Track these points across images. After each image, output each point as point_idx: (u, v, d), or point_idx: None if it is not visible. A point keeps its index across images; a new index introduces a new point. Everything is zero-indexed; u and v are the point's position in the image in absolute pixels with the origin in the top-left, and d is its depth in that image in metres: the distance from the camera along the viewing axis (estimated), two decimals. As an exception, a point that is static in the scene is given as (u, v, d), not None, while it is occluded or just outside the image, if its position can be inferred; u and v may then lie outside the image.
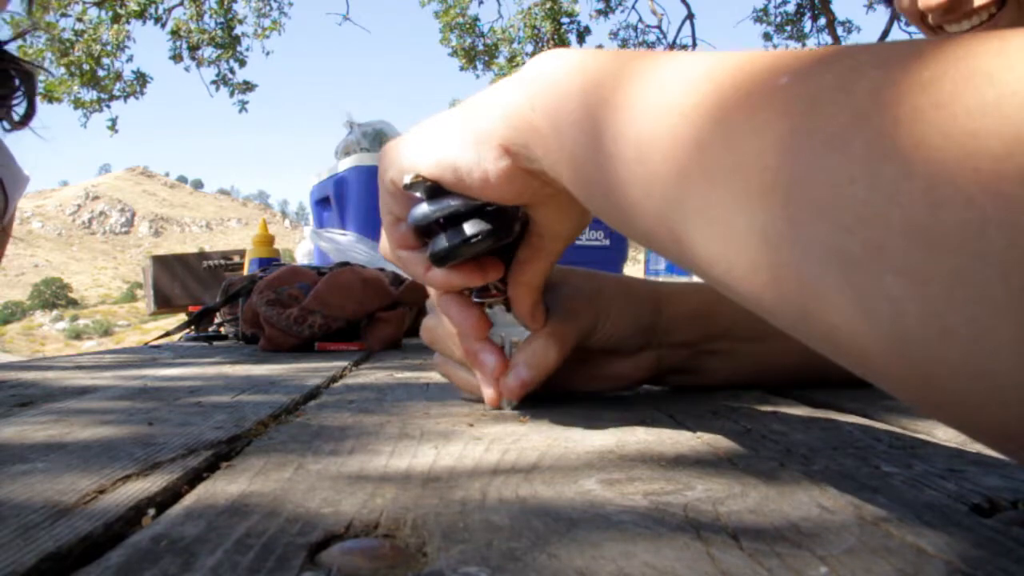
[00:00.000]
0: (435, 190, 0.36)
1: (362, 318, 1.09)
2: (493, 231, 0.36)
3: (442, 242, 0.37)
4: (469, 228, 0.36)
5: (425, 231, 0.39)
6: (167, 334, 1.45)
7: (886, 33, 7.79)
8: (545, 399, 0.49)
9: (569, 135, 0.28)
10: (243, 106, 8.08)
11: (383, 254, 0.44)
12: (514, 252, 0.41)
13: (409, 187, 0.36)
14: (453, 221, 0.37)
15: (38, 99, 0.90)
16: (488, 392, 0.44)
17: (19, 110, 0.88)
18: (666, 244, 0.24)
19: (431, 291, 0.45)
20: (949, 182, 0.15)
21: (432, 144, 0.36)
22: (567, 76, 0.29)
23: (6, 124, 0.88)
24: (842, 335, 0.18)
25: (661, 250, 0.25)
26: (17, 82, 0.87)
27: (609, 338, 0.48)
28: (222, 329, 1.43)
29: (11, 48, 0.88)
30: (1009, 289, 0.14)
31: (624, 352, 0.50)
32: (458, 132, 0.35)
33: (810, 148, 0.18)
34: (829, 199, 0.17)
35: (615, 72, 0.26)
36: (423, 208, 0.37)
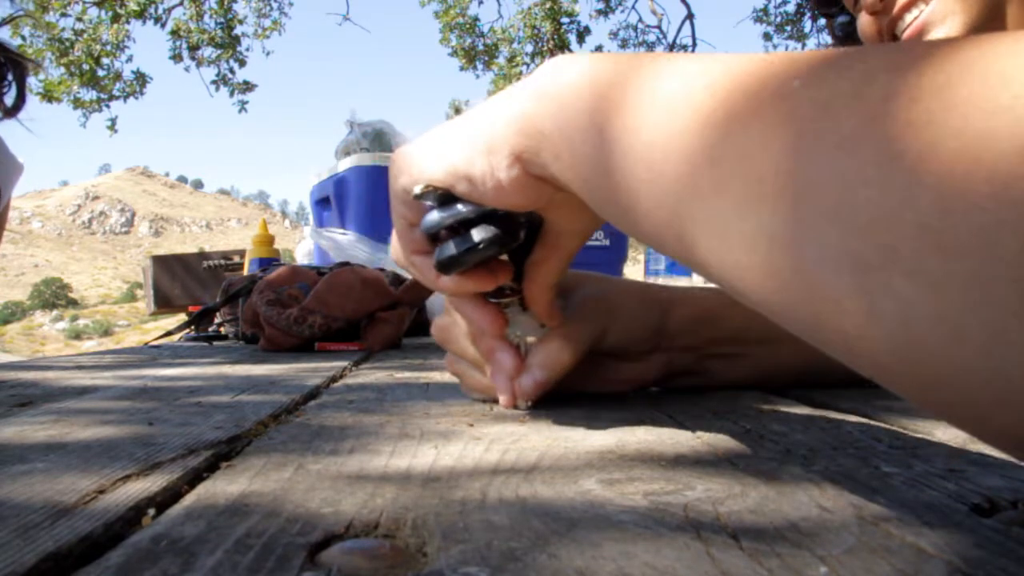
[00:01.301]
0: (446, 197, 0.36)
1: (362, 318, 1.09)
2: (500, 236, 0.36)
3: (449, 249, 0.37)
4: (477, 234, 0.36)
5: (435, 237, 0.39)
6: (167, 334, 1.45)
7: (886, 33, 7.77)
8: (547, 399, 0.49)
9: (579, 145, 0.28)
10: (243, 106, 8.07)
11: (395, 260, 0.44)
12: (526, 253, 0.42)
13: (420, 197, 0.37)
14: (462, 227, 0.37)
15: (27, 90, 0.90)
16: (504, 394, 0.44)
17: (8, 99, 0.87)
18: (677, 250, 0.24)
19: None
20: (961, 185, 0.15)
21: (443, 153, 0.36)
22: (576, 85, 0.29)
23: None
24: (854, 339, 0.18)
25: (673, 255, 0.25)
26: (7, 70, 0.86)
27: (619, 341, 0.48)
28: (222, 329, 1.43)
29: (3, 37, 0.87)
30: (1021, 292, 0.14)
31: (633, 355, 0.50)
32: (469, 140, 0.35)
33: (822, 152, 0.18)
34: (841, 203, 0.17)
35: (623, 81, 0.26)
36: (434, 216, 0.37)
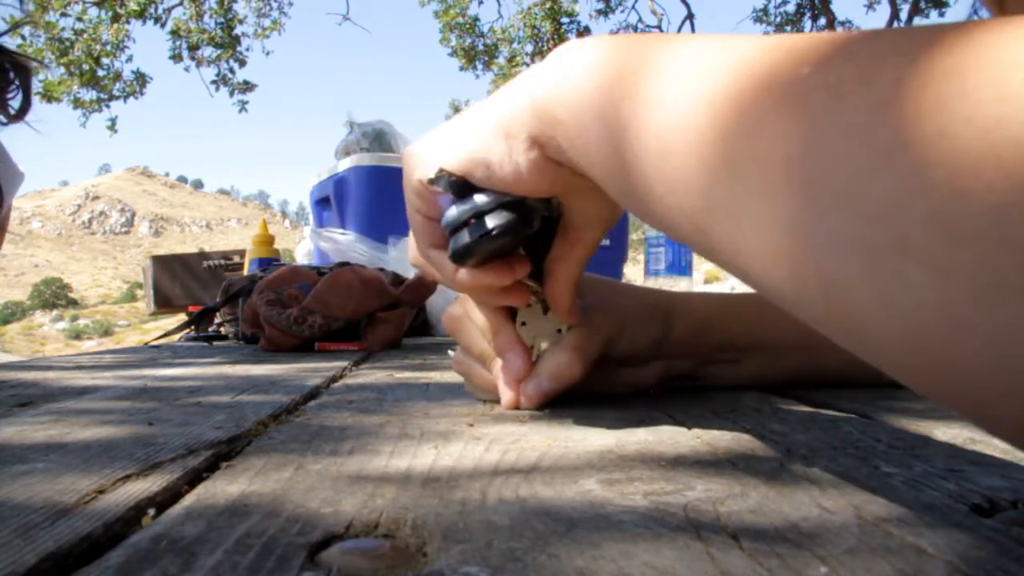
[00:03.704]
0: (461, 186, 0.36)
1: (362, 318, 1.09)
2: (514, 222, 0.36)
3: (463, 238, 0.37)
4: (491, 221, 0.36)
5: (453, 231, 0.38)
6: (167, 334, 1.45)
7: (886, 33, 7.77)
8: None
9: (592, 129, 0.28)
10: (243, 106, 8.08)
11: (412, 262, 0.44)
12: (546, 251, 0.41)
13: (433, 181, 0.36)
14: (477, 218, 0.37)
15: (34, 94, 0.90)
16: (507, 395, 0.44)
17: (14, 104, 0.88)
18: (691, 237, 0.24)
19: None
20: (972, 171, 0.14)
21: (460, 140, 0.36)
22: (588, 70, 0.29)
23: (2, 118, 0.88)
24: (863, 326, 0.18)
25: (686, 242, 0.25)
26: (12, 75, 0.86)
27: (624, 351, 0.48)
28: (222, 329, 1.43)
29: (6, 42, 0.88)
30: None
31: (636, 361, 0.50)
32: (486, 126, 0.35)
33: (832, 138, 0.18)
34: (851, 189, 0.17)
35: (636, 64, 0.26)
36: (452, 211, 0.37)
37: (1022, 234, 0.14)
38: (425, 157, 0.37)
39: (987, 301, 0.15)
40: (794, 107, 0.19)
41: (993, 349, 0.15)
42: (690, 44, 0.25)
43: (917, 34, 0.18)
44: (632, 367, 0.50)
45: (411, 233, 0.42)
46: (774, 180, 0.19)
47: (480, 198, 0.36)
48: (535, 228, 0.38)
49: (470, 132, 0.35)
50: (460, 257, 0.38)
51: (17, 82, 0.87)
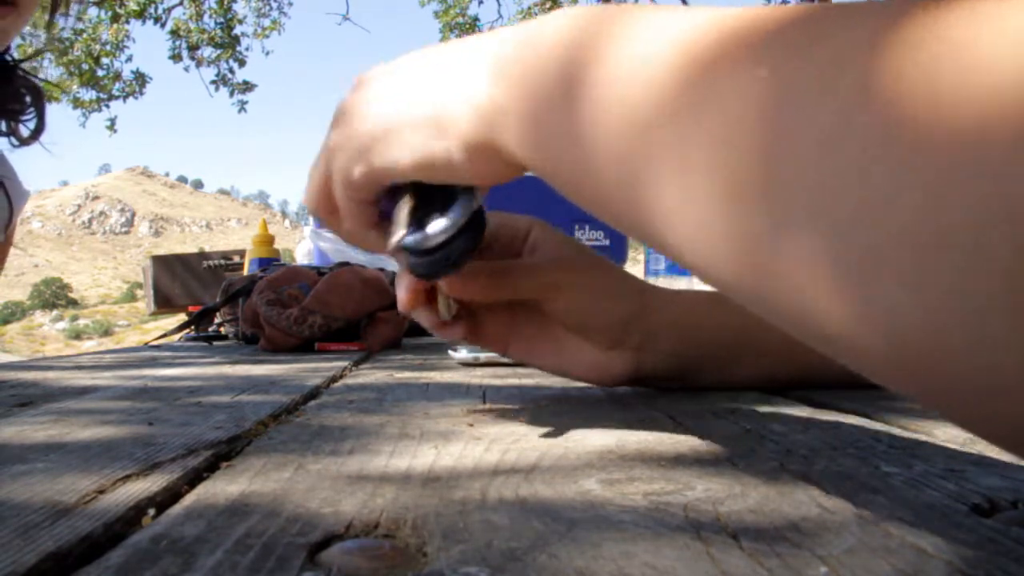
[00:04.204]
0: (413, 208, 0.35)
1: (362, 318, 1.09)
2: (475, 242, 0.35)
3: (427, 266, 0.36)
4: (454, 250, 0.35)
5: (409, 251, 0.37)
6: (167, 334, 1.45)
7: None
8: (547, 400, 0.49)
9: (544, 127, 0.27)
10: (243, 106, 8.08)
11: (313, 211, 0.41)
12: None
13: (399, 250, 0.35)
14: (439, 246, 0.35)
15: (47, 115, 0.92)
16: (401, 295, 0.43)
17: (30, 125, 0.89)
18: (641, 235, 0.24)
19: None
20: (952, 181, 0.14)
21: (404, 138, 0.33)
22: (530, 60, 0.27)
23: (14, 140, 0.89)
24: (839, 339, 0.17)
25: (632, 234, 0.25)
26: (28, 99, 0.88)
27: (577, 310, 0.46)
28: (222, 329, 1.43)
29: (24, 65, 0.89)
30: (1007, 288, 0.13)
31: (594, 338, 0.47)
32: (426, 124, 0.32)
33: (800, 150, 0.17)
34: (820, 202, 0.16)
35: (590, 45, 0.25)
36: (409, 239, 0.35)
37: (1005, 248, 0.13)
38: (364, 150, 0.35)
39: (969, 318, 0.14)
40: (753, 120, 0.18)
41: (977, 368, 0.15)
42: (635, 25, 0.24)
43: (886, 17, 0.16)
44: (591, 345, 0.48)
45: (311, 187, 0.40)
46: (739, 192, 0.18)
47: (438, 227, 0.35)
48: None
49: (412, 127, 0.32)
50: (424, 278, 0.37)
51: (33, 106, 0.89)
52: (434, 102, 0.32)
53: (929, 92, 0.14)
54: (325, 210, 0.40)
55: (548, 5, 7.80)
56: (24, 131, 0.89)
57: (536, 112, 0.27)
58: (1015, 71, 0.13)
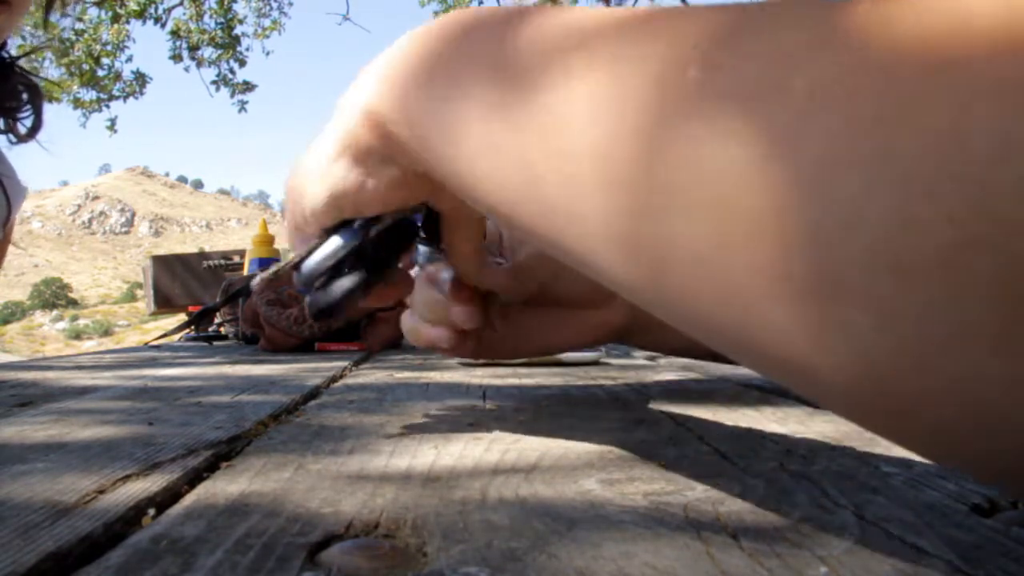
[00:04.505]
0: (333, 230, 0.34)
1: (362, 318, 1.09)
2: (361, 282, 0.34)
3: (317, 303, 0.34)
4: (336, 289, 0.34)
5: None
6: (167, 334, 1.45)
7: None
8: (547, 399, 0.49)
9: (431, 137, 0.26)
10: (243, 106, 8.08)
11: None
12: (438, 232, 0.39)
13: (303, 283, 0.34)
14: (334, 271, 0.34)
15: (44, 112, 0.92)
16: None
17: (27, 123, 0.89)
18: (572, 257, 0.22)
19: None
20: (924, 196, 0.12)
21: (320, 173, 0.32)
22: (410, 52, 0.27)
23: (11, 137, 0.89)
24: (799, 371, 0.16)
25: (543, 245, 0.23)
26: (25, 96, 0.88)
27: (574, 287, 0.46)
28: (222, 329, 1.43)
29: (21, 62, 0.89)
30: (999, 316, 0.12)
31: (594, 302, 0.47)
32: (333, 151, 0.31)
33: (747, 161, 0.15)
34: (772, 219, 0.14)
35: (464, 55, 0.24)
36: (304, 267, 0.34)
37: (986, 271, 0.12)
38: (302, 194, 0.34)
39: (947, 344, 0.13)
40: (698, 127, 0.16)
41: (956, 395, 0.13)
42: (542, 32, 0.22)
43: (837, 11, 0.14)
44: (595, 309, 0.48)
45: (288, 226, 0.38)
46: (689, 205, 0.16)
47: (307, 265, 0.34)
48: (394, 266, 0.36)
49: (324, 161, 0.32)
50: (316, 318, 0.36)
51: (29, 103, 0.89)
52: (335, 128, 0.32)
53: (900, 95, 0.13)
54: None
55: (548, 5, 7.79)
56: (21, 128, 0.89)
57: (407, 88, 0.27)
58: (993, 54, 0.12)
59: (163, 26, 7.46)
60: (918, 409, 0.14)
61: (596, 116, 0.18)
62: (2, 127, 0.89)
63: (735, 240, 0.15)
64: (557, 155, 0.19)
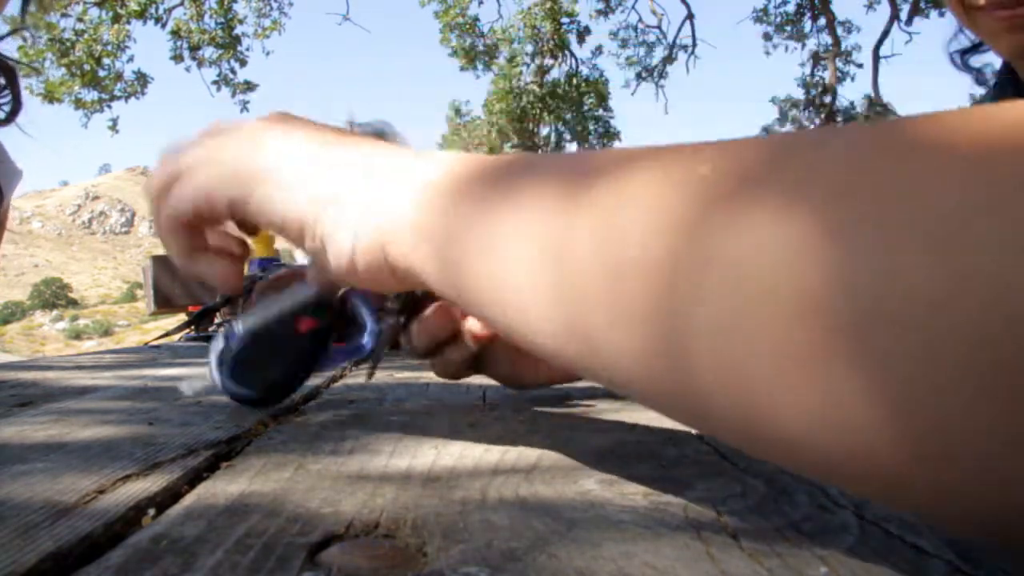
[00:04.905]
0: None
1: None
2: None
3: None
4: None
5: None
6: (167, 334, 1.45)
7: (886, 34, 7.78)
8: (546, 399, 0.49)
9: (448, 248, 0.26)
10: (244, 106, 8.09)
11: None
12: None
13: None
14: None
15: (23, 94, 0.90)
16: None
17: (5, 108, 0.88)
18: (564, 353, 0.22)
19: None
20: (917, 267, 0.12)
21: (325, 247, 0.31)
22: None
23: None
24: (792, 440, 0.15)
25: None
26: (2, 80, 0.86)
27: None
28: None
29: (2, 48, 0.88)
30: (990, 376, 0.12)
31: None
32: (346, 254, 0.30)
33: (748, 228, 0.15)
34: (771, 285, 0.14)
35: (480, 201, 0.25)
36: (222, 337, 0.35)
37: (1008, 350, 0.11)
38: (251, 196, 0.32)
39: (959, 429, 0.12)
40: (708, 199, 0.16)
41: (977, 482, 0.13)
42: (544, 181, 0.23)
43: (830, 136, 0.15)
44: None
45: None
46: (682, 283, 0.16)
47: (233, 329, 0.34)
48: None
49: (333, 244, 0.30)
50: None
51: (5, 84, 0.87)
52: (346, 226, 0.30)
53: (895, 163, 0.13)
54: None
55: (548, 5, 7.80)
56: (0, 113, 0.88)
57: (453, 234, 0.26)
58: (982, 131, 0.12)
59: (164, 26, 7.47)
60: (922, 482, 0.14)
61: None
62: None
63: (734, 307, 0.15)
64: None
